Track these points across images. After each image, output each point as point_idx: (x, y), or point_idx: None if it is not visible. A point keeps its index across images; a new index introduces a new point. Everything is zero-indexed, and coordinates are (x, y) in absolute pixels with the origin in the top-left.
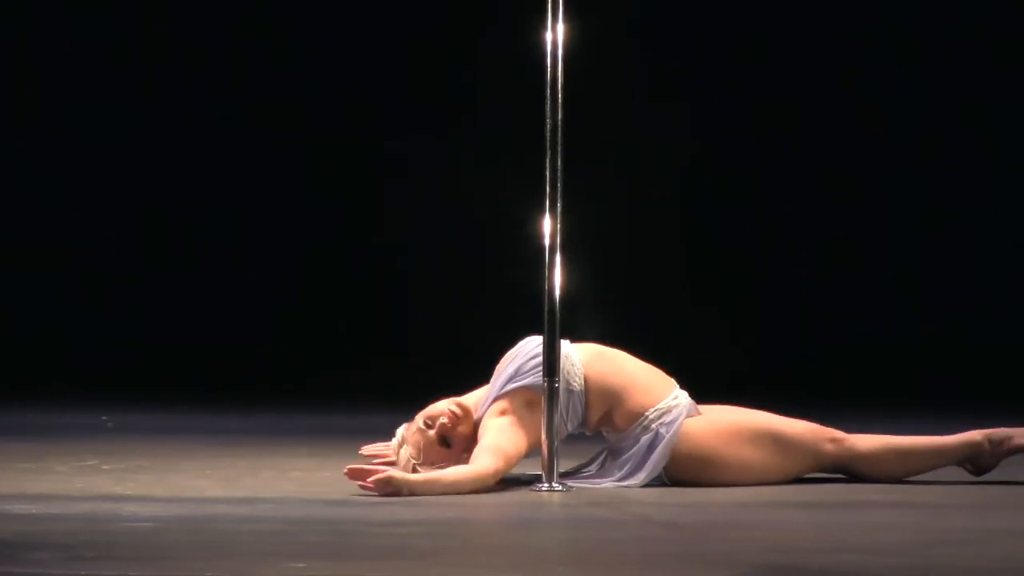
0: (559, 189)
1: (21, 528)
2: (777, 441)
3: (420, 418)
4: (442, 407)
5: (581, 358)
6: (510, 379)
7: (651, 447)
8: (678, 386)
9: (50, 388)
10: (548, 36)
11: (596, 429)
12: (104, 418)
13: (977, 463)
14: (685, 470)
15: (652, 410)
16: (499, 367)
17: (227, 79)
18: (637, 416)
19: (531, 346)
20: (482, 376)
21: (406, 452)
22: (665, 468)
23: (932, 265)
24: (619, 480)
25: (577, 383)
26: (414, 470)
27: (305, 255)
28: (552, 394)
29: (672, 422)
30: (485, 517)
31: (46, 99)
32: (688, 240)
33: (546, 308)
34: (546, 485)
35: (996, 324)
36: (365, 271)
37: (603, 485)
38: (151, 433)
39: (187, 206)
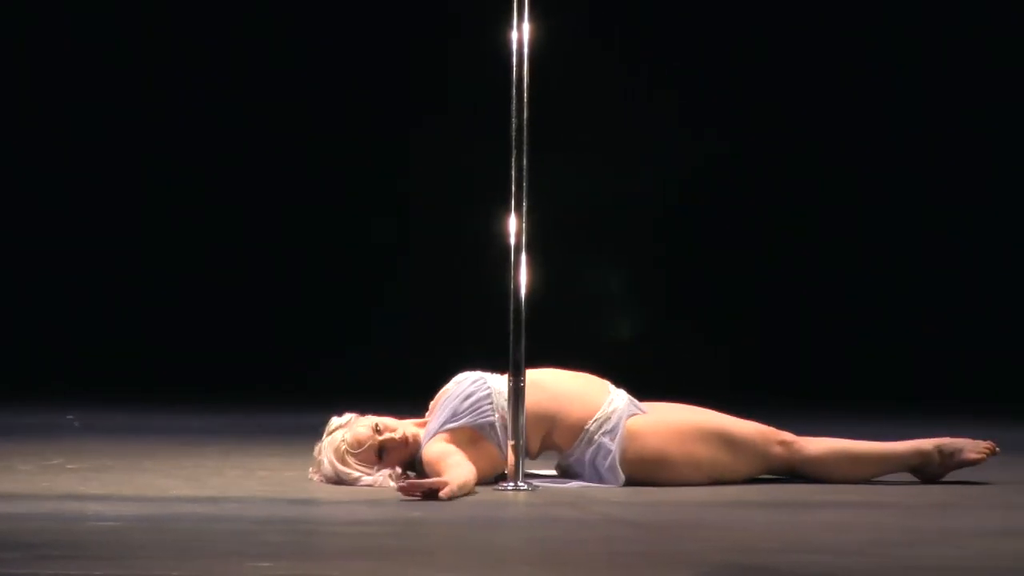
0: (524, 188)
1: None
2: (726, 441)
3: (375, 420)
4: (399, 425)
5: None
6: (449, 420)
7: (598, 460)
8: (612, 386)
9: (15, 387)
10: (514, 35)
11: (540, 453)
12: (70, 417)
13: (925, 472)
14: (635, 471)
15: (591, 422)
16: (434, 404)
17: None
18: (578, 432)
19: (464, 386)
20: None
21: (343, 435)
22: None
23: (915, 266)
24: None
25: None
26: (343, 457)
27: (274, 254)
28: (518, 393)
29: (614, 429)
30: (450, 516)
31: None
32: (665, 241)
33: (511, 307)
34: (511, 484)
35: (972, 326)
36: (330, 270)
37: (568, 485)
38: (117, 432)
39: (151, 206)
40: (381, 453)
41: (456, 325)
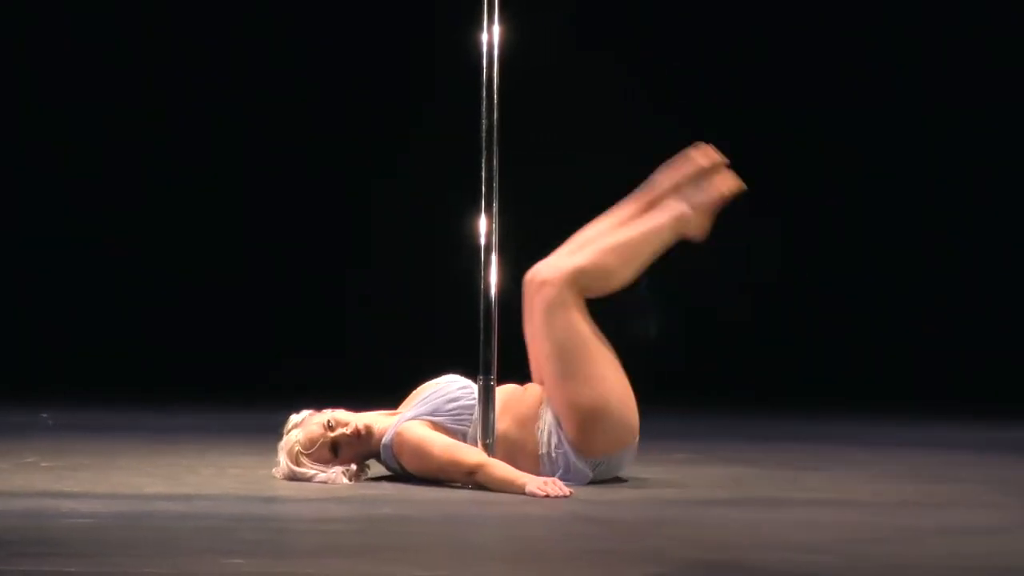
0: (495, 189)
1: None
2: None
3: (327, 416)
4: (352, 419)
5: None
6: (428, 414)
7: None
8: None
9: None
10: (484, 37)
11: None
12: (44, 415)
13: (692, 231)
14: (585, 435)
15: (539, 432)
16: (415, 394)
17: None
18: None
19: (452, 388)
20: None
21: (296, 436)
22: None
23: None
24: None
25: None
26: (297, 457)
27: (249, 252)
28: (488, 392)
29: (555, 427)
30: (421, 514)
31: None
32: None
33: (482, 307)
34: None
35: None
36: (304, 270)
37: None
38: (91, 431)
39: (120, 207)
40: (336, 449)
41: (429, 325)
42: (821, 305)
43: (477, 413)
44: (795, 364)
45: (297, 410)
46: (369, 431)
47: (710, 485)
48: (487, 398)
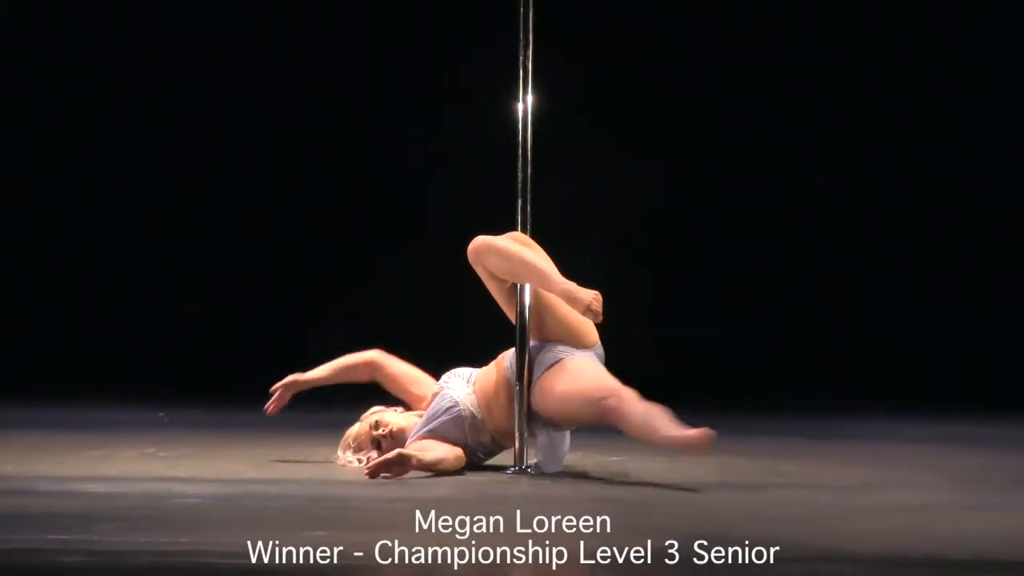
0: (528, 225)
1: (90, 504)
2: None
3: (378, 416)
4: (392, 421)
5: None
6: (425, 426)
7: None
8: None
9: (116, 389)
10: (520, 106)
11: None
12: (161, 414)
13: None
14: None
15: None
16: (432, 397)
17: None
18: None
19: (443, 404)
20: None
21: (353, 430)
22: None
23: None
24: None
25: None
26: (346, 448)
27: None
28: (522, 397)
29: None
30: (467, 496)
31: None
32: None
33: (517, 324)
34: (515, 468)
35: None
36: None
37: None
38: (199, 427)
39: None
40: (378, 445)
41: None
42: (805, 314)
43: (472, 420)
44: (776, 369)
45: (369, 406)
46: (403, 432)
47: (703, 471)
48: (521, 401)
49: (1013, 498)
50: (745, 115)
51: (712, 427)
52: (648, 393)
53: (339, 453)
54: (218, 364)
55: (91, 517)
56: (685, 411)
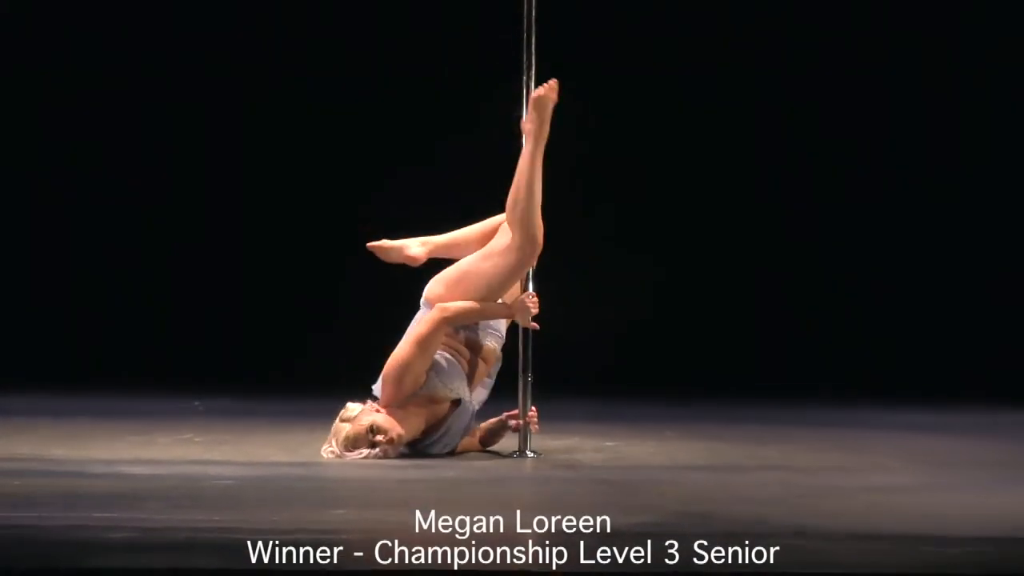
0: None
1: (133, 484)
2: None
3: (372, 420)
4: (390, 428)
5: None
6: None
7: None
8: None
9: (156, 380)
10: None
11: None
12: (197, 403)
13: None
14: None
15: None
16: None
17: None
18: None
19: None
20: None
21: (347, 429)
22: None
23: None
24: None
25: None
26: (343, 448)
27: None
28: (527, 387)
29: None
30: (474, 476)
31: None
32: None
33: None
34: (518, 452)
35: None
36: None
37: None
38: (233, 415)
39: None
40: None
41: None
42: (785, 307)
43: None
44: (760, 359)
45: (353, 400)
46: (401, 439)
47: (691, 455)
48: (526, 391)
49: (975, 480)
50: (745, 115)
51: (699, 415)
52: (640, 380)
53: (332, 449)
54: (250, 356)
55: (134, 496)
56: (673, 398)
